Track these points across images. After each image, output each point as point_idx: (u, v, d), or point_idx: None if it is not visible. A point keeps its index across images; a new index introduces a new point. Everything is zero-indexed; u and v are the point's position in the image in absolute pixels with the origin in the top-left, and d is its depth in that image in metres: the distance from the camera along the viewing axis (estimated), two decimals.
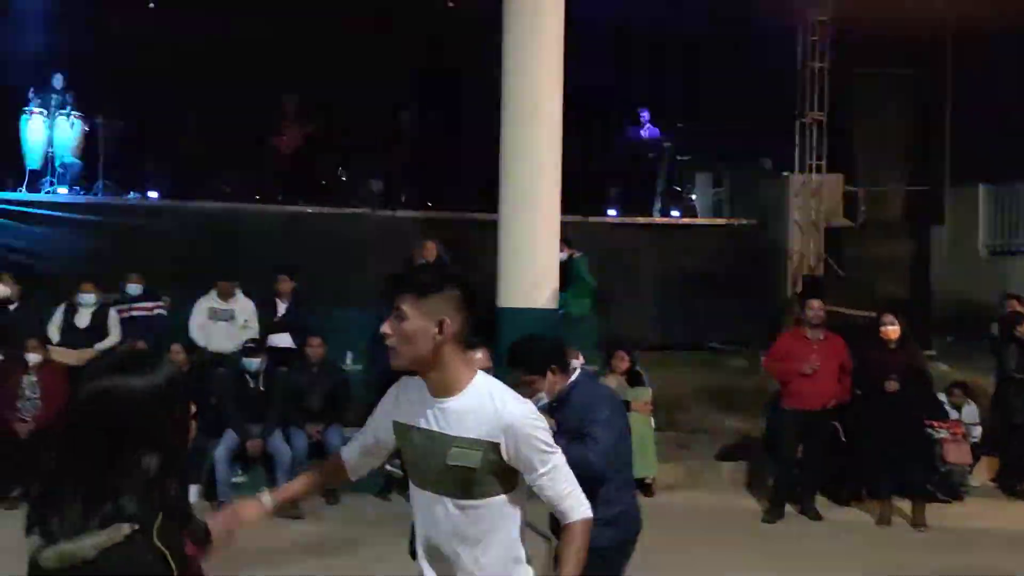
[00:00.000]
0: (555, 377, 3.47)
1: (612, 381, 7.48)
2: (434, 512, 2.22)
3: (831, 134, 11.32)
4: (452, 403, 2.18)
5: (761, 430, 8.18)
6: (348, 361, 8.41)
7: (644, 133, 12.88)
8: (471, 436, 2.15)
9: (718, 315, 11.35)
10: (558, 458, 2.24)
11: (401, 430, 2.28)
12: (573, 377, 3.56)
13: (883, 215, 10.44)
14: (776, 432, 7.11)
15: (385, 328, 2.16)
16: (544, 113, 7.01)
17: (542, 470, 2.19)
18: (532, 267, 7.01)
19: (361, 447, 2.45)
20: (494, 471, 2.17)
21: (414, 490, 2.29)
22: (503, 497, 2.21)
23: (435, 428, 2.18)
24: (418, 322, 2.11)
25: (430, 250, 8.76)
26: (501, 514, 2.22)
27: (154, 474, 1.48)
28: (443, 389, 2.18)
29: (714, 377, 9.76)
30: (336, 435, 7.07)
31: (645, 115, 13.06)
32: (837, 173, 11.54)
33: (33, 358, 6.78)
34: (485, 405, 2.17)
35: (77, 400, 1.51)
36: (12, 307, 7.53)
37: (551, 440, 2.24)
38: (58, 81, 11.34)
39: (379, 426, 2.38)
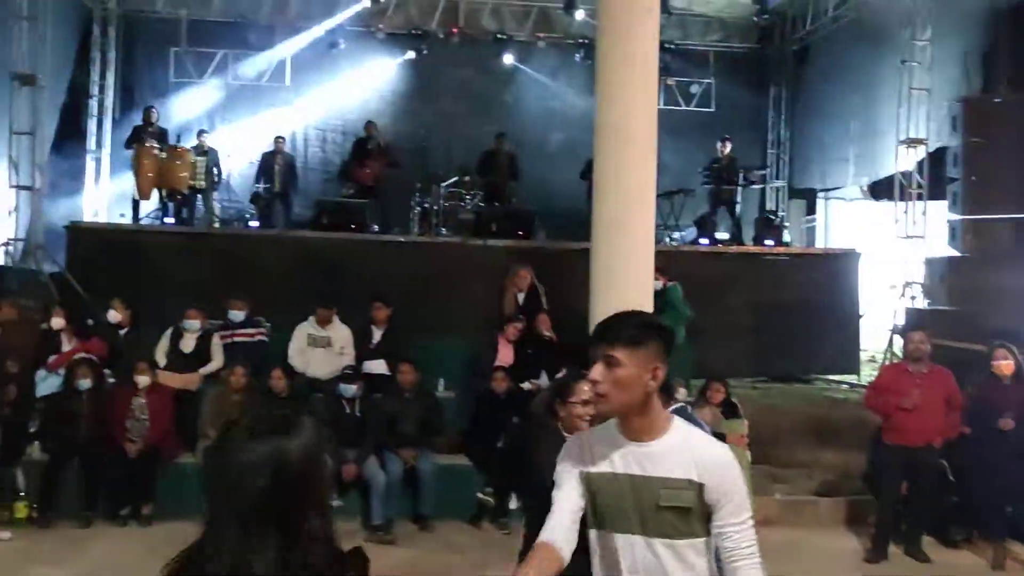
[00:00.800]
0: None
1: (707, 413, 7.35)
2: (635, 553, 2.26)
3: (933, 159, 10.97)
4: (655, 446, 2.24)
5: (861, 465, 7.93)
6: (440, 388, 8.49)
7: (726, 162, 12.72)
8: (680, 477, 2.20)
9: (814, 346, 11.09)
10: (750, 516, 2.25)
11: (595, 479, 2.31)
12: (671, 408, 3.50)
13: (991, 244, 10.01)
14: (879, 468, 6.85)
15: (596, 375, 2.21)
16: (637, 140, 6.98)
17: (737, 519, 2.22)
18: (625, 296, 6.93)
19: (563, 524, 2.35)
20: (701, 512, 2.21)
21: (605, 536, 2.31)
22: (707, 538, 2.25)
23: (638, 472, 2.23)
24: (632, 370, 2.18)
25: (523, 278, 8.84)
26: (703, 553, 2.26)
27: (317, 533, 1.47)
28: (645, 433, 2.25)
29: (811, 409, 9.49)
30: (428, 461, 7.14)
31: (727, 143, 12.92)
32: (940, 200, 11.17)
33: (142, 381, 7.04)
34: (689, 447, 2.23)
35: (239, 470, 1.46)
36: (123, 332, 7.86)
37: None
38: (155, 116, 11.94)
39: (573, 487, 2.35)
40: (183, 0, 14.21)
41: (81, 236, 10.20)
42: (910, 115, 11.00)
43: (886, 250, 12.05)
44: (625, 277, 6.97)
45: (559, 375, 4.72)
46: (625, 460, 2.25)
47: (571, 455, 2.37)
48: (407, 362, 7.50)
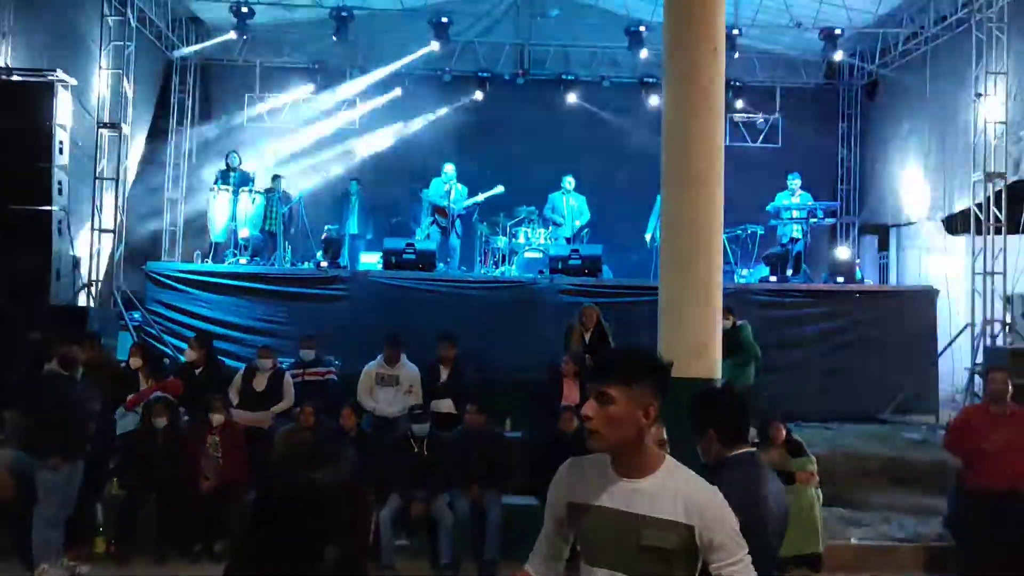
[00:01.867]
0: (716, 443, 3.15)
1: (774, 453, 7.20)
2: None
3: (1011, 193, 10.68)
4: (644, 484, 2.20)
5: (941, 509, 7.67)
6: (507, 427, 8.48)
7: (796, 199, 12.57)
8: (666, 517, 2.16)
9: (890, 386, 10.81)
10: (747, 552, 2.19)
11: (579, 511, 2.29)
12: (738, 451, 3.29)
13: None
14: (961, 513, 6.61)
15: (588, 411, 2.21)
16: (703, 178, 6.94)
17: (732, 559, 2.17)
18: (692, 334, 6.86)
19: (543, 554, 2.43)
20: (685, 554, 2.16)
21: (589, 570, 2.28)
22: None
23: (624, 508, 2.19)
24: (625, 407, 2.18)
25: (590, 317, 8.81)
26: None
27: (333, 568, 1.50)
28: (636, 470, 2.22)
29: (887, 451, 9.21)
30: (496, 501, 7.12)
31: (796, 179, 12.76)
32: (1019, 234, 10.84)
33: (216, 419, 7.19)
34: (678, 487, 2.18)
35: (268, 494, 1.54)
36: (198, 371, 8.05)
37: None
38: (234, 160, 12.32)
39: (558, 518, 2.37)
40: (257, 48, 14.67)
41: (159, 278, 10.52)
42: (986, 148, 10.73)
43: (964, 286, 11.73)
44: (692, 317, 6.88)
45: None
46: (612, 495, 2.22)
47: (561, 483, 2.37)
48: (473, 403, 7.51)
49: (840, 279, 11.30)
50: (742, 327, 8.74)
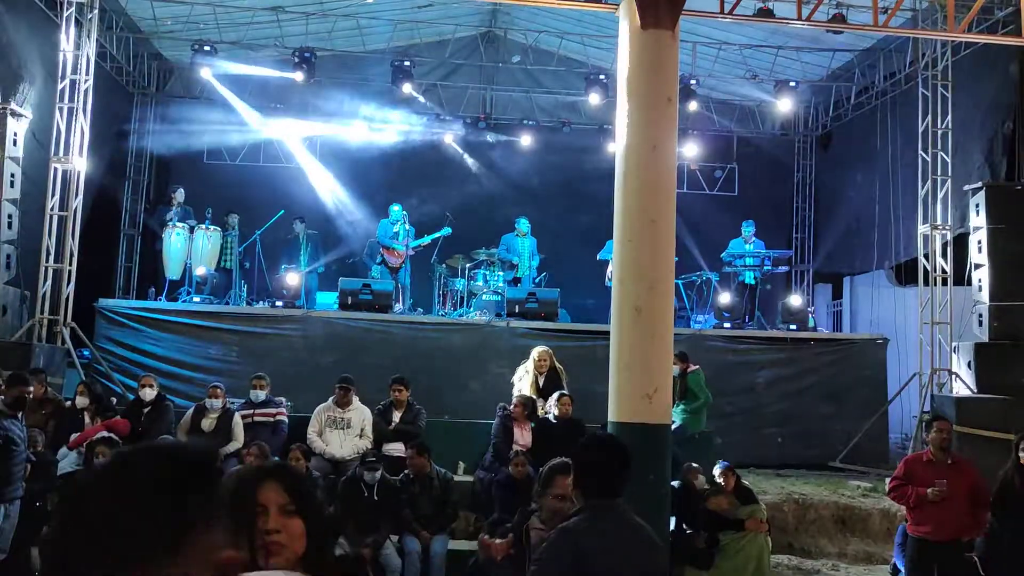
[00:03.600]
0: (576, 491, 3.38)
1: (722, 500, 7.24)
2: None
3: (956, 244, 10.94)
4: None
5: (887, 556, 7.74)
6: (460, 471, 8.43)
7: (749, 246, 12.77)
8: None
9: (841, 434, 10.94)
10: None
11: None
12: (593, 501, 3.27)
13: (1020, 329, 9.89)
14: (907, 562, 6.66)
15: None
16: (658, 226, 7.04)
17: None
18: (643, 380, 6.91)
19: None
20: None
21: None
22: None
23: None
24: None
25: (543, 360, 8.82)
26: None
27: None
28: None
29: (836, 497, 9.28)
30: (441, 545, 7.07)
31: (751, 228, 12.98)
32: (964, 285, 11.10)
33: None
34: None
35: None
36: (146, 410, 7.91)
37: None
38: (180, 195, 12.23)
39: None
40: (218, 85, 14.64)
41: (111, 315, 10.36)
42: (933, 200, 11.02)
43: (914, 335, 11.96)
44: (644, 362, 6.94)
45: (546, 465, 4.59)
46: None
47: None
48: (412, 447, 7.46)
49: (793, 326, 11.45)
50: (694, 373, 8.81)
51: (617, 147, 7.46)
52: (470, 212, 14.49)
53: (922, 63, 11.34)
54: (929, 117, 11.06)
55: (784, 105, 13.84)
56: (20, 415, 6.44)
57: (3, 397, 6.44)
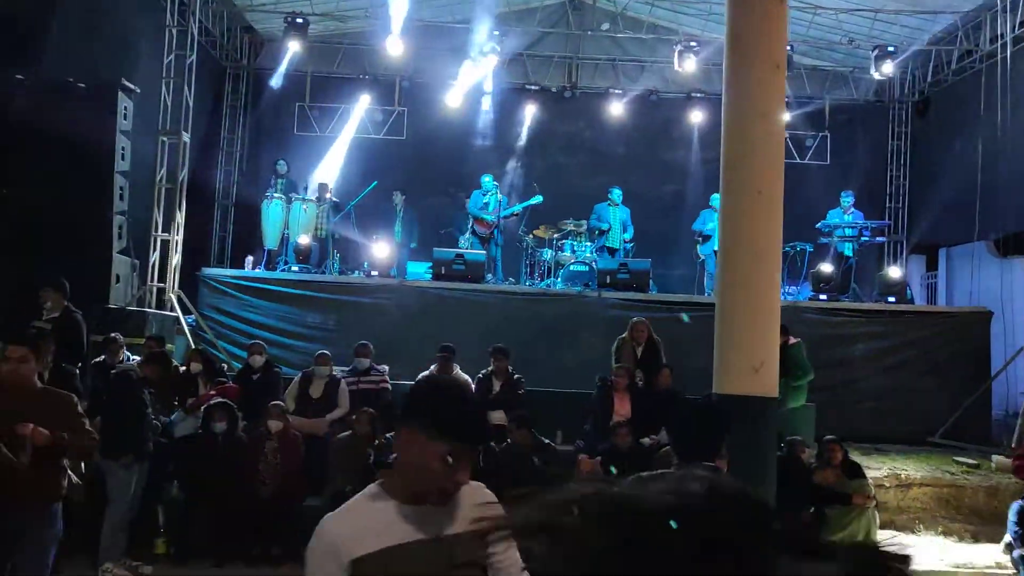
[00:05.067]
0: None
1: (829, 474, 7.17)
2: None
3: None
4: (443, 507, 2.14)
5: (995, 534, 7.57)
6: (558, 440, 8.50)
7: (848, 216, 12.49)
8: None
9: (941, 410, 10.68)
10: None
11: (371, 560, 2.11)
12: None
13: None
14: None
15: None
16: (765, 196, 6.93)
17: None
18: (750, 352, 6.85)
19: None
20: None
21: None
22: None
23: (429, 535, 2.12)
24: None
25: (641, 331, 8.81)
26: None
27: None
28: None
29: (939, 474, 9.09)
30: None
31: (850, 198, 12.69)
32: None
33: (275, 425, 7.28)
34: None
35: None
36: (255, 377, 8.16)
37: None
38: (283, 167, 12.47)
39: None
40: (308, 58, 14.83)
41: (214, 284, 10.68)
42: None
43: (1019, 309, 11.58)
44: (750, 334, 6.87)
45: None
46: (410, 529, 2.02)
47: (333, 543, 2.06)
48: (513, 420, 7.54)
49: (891, 299, 11.18)
50: (795, 346, 8.68)
51: (723, 116, 7.35)
52: (556, 182, 14.45)
53: None
54: None
55: (885, 71, 13.40)
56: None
57: (140, 364, 6.71)
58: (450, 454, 1.95)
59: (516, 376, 8.47)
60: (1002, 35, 12.73)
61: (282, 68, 14.52)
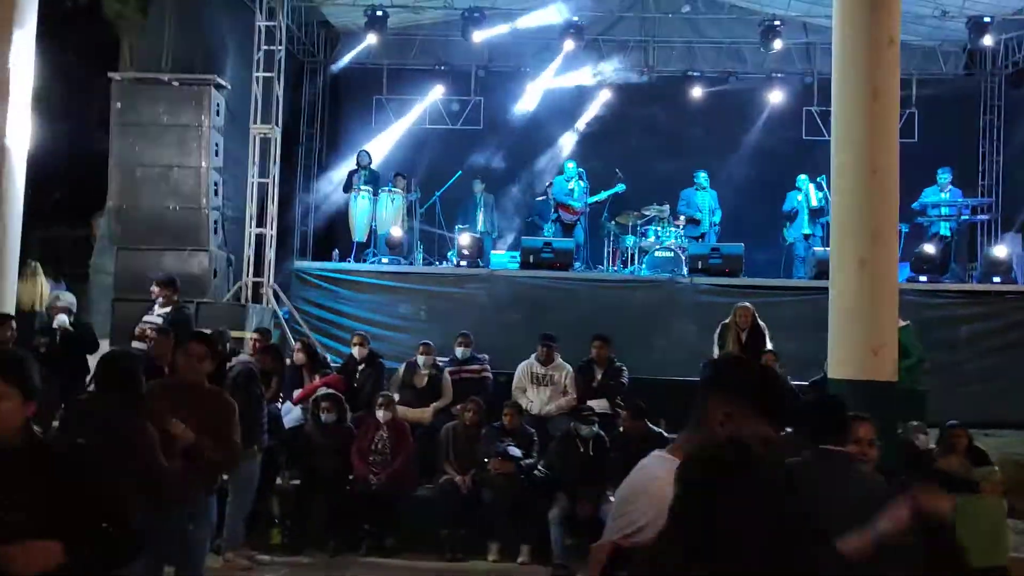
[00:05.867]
0: None
1: (954, 461, 6.93)
2: None
3: None
4: None
5: None
6: (662, 428, 8.38)
7: (945, 195, 12.10)
8: None
9: None
10: None
11: None
12: None
13: None
14: None
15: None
16: (881, 175, 6.73)
17: None
18: (869, 335, 6.67)
19: None
20: None
21: None
22: None
23: None
24: None
25: (745, 317, 8.64)
26: None
27: None
28: None
29: None
30: None
31: (947, 175, 12.29)
32: None
33: (384, 415, 7.30)
34: None
35: None
36: (360, 368, 8.20)
37: None
38: (365, 159, 12.53)
39: None
40: (384, 50, 14.85)
41: (306, 276, 10.79)
42: None
43: None
44: (869, 317, 6.69)
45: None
46: None
47: None
48: (626, 409, 7.44)
49: (996, 279, 10.80)
50: (904, 328, 8.41)
51: (834, 93, 7.14)
52: (635, 168, 14.26)
53: None
54: None
55: (984, 42, 12.94)
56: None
57: (257, 358, 6.80)
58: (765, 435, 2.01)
59: (618, 364, 8.38)
60: None
61: (360, 61, 14.60)
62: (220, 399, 4.68)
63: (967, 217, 11.74)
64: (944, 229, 11.72)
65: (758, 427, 2.03)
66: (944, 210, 11.57)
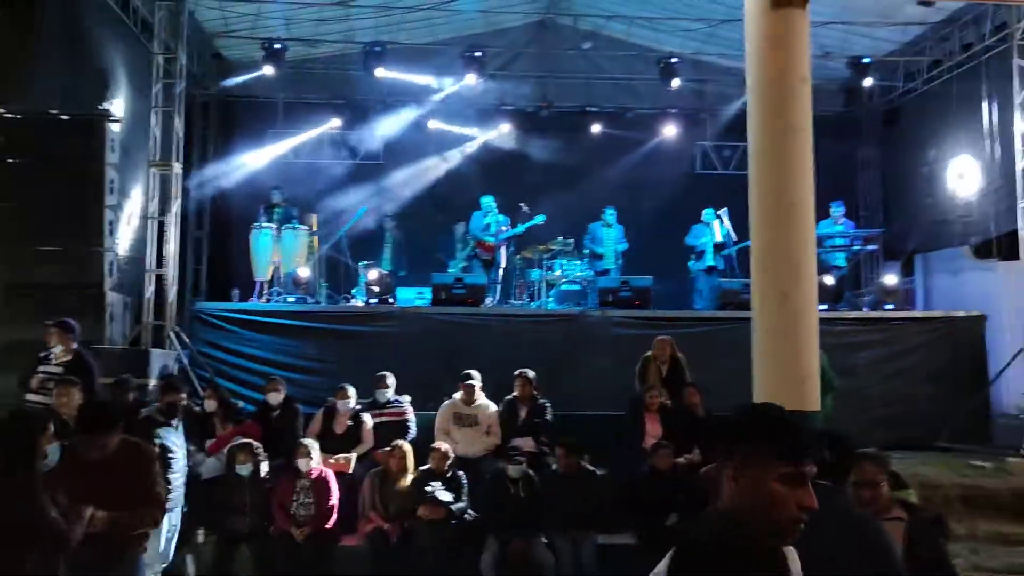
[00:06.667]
0: None
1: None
2: None
3: None
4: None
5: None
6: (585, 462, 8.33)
7: (839, 226, 12.63)
8: None
9: (942, 414, 10.79)
10: None
11: None
12: None
13: None
14: None
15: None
16: (800, 210, 6.93)
17: None
18: (792, 366, 6.81)
19: None
20: None
21: None
22: None
23: None
24: None
25: (664, 350, 8.71)
26: None
27: None
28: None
29: (959, 478, 9.15)
30: (591, 540, 6.98)
31: (840, 208, 12.84)
32: None
33: (306, 464, 6.98)
34: None
35: None
36: (275, 414, 7.84)
37: None
38: (277, 196, 12.17)
39: None
40: (280, 83, 14.49)
41: (207, 318, 10.31)
42: None
43: (1001, 312, 11.82)
44: (794, 349, 6.83)
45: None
46: None
47: None
48: (562, 446, 7.34)
49: (889, 306, 11.29)
50: (822, 356, 8.65)
51: (750, 130, 7.33)
52: (539, 201, 14.33)
53: (1016, 29, 11.14)
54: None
55: (865, 82, 13.64)
56: (175, 422, 6.39)
57: (157, 405, 6.39)
58: (790, 476, 1.87)
59: (541, 401, 8.29)
60: (971, 44, 13.04)
61: (254, 94, 14.22)
62: (132, 447, 4.32)
63: (859, 247, 12.24)
64: (840, 260, 12.19)
65: (770, 472, 1.93)
66: (839, 241, 12.03)
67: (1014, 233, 11.22)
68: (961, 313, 11.40)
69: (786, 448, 1.91)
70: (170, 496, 6.15)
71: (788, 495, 1.89)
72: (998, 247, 12.57)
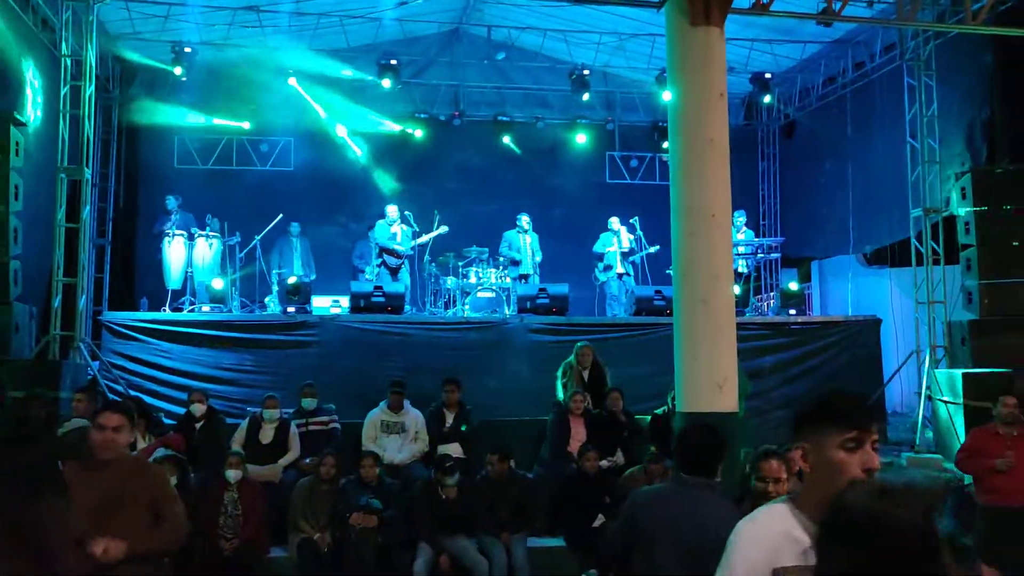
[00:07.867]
0: None
1: (795, 484, 7.45)
2: None
3: (947, 225, 11.42)
4: None
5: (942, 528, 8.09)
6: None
7: (742, 235, 13.14)
8: None
9: None
10: None
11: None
12: None
13: (1009, 306, 10.40)
14: (976, 531, 7.01)
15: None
16: (718, 220, 7.24)
17: None
18: (713, 370, 7.10)
19: None
20: None
21: None
22: None
23: None
24: None
25: (587, 356, 8.92)
26: None
27: None
28: None
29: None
30: (522, 544, 7.10)
31: (743, 217, 13.36)
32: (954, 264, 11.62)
33: (234, 475, 6.87)
34: None
35: None
36: (198, 425, 7.70)
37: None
38: (172, 203, 11.89)
39: None
40: (186, 87, 14.14)
41: (117, 328, 10.01)
42: (921, 185, 11.51)
43: (891, 315, 12.55)
44: (713, 353, 7.12)
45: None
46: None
47: (764, 545, 2.14)
48: (494, 452, 7.43)
49: (792, 311, 11.81)
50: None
51: (671, 143, 7.60)
52: (452, 210, 14.41)
53: (906, 48, 11.82)
54: (916, 105, 11.52)
55: (766, 99, 14.25)
56: None
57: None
58: (850, 441, 2.09)
59: (468, 407, 8.38)
60: (863, 63, 13.79)
61: (161, 98, 13.88)
62: (144, 467, 4.24)
63: (763, 255, 12.76)
64: (743, 267, 12.68)
65: (831, 441, 2.15)
66: (744, 248, 12.52)
67: (906, 241, 11.88)
68: (859, 317, 12.01)
69: (841, 417, 2.12)
70: None
71: (851, 459, 2.09)
72: (891, 255, 13.33)
